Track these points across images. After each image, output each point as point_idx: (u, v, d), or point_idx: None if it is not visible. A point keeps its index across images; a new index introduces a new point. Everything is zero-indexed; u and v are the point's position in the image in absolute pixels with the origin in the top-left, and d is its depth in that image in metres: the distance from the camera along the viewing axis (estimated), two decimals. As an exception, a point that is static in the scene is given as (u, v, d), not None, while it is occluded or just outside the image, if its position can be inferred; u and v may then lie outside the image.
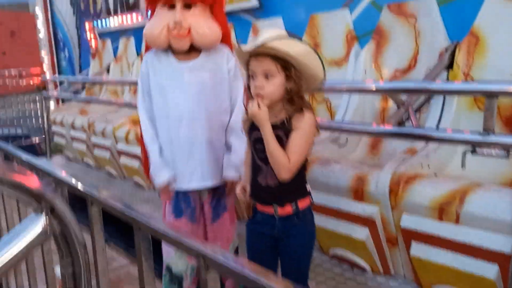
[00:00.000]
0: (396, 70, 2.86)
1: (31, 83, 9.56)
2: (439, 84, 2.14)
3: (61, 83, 7.11)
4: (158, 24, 2.04)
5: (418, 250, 2.15)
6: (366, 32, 3.04)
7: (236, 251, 2.42)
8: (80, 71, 7.32)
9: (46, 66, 8.32)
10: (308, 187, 1.82)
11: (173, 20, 1.98)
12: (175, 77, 2.10)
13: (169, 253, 2.18)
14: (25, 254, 0.60)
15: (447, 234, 2.02)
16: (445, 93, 2.14)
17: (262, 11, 3.84)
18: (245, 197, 1.87)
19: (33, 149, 7.56)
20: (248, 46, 1.68)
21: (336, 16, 3.17)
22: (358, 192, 2.35)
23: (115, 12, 6.19)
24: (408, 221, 2.17)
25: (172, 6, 2.02)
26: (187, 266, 2.20)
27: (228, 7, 4.05)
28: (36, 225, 0.62)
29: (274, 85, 1.66)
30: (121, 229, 2.47)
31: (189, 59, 2.10)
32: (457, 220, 1.99)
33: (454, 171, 2.35)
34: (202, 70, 2.10)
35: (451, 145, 2.31)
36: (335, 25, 3.21)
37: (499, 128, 2.34)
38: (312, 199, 1.84)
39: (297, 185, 1.77)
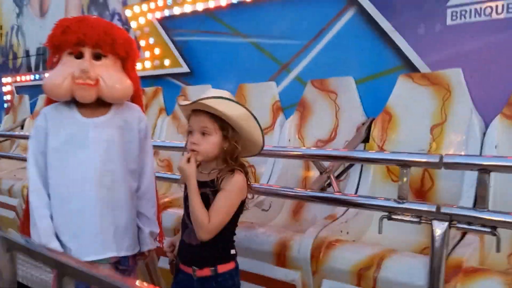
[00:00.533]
0: (318, 140, 3.02)
1: None
2: (362, 152, 2.31)
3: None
4: (62, 72, 1.86)
5: (338, 317, 2.15)
6: (291, 104, 3.22)
7: None
8: (-11, 126, 6.87)
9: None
10: (233, 251, 1.79)
11: (80, 67, 1.82)
12: (79, 133, 1.89)
13: None
14: None
15: (365, 300, 2.06)
16: (366, 161, 2.29)
17: (192, 77, 3.94)
18: (171, 254, 1.81)
19: None
20: (186, 102, 1.71)
21: (263, 87, 3.34)
22: (280, 257, 2.35)
23: (36, 70, 6.03)
24: (328, 287, 2.19)
25: (79, 55, 1.87)
26: None
27: (159, 71, 4.13)
28: None
29: (209, 143, 1.67)
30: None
31: (95, 115, 1.92)
32: (374, 285, 2.04)
33: (371, 238, 2.45)
34: (109, 127, 1.92)
35: (368, 213, 2.43)
36: (262, 95, 3.37)
37: (410, 197, 2.53)
38: (236, 264, 1.79)
39: (218, 247, 1.74)
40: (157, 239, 2.15)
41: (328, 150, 2.39)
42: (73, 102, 1.91)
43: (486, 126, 2.38)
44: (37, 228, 1.84)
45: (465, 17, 2.50)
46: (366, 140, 2.72)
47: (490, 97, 2.41)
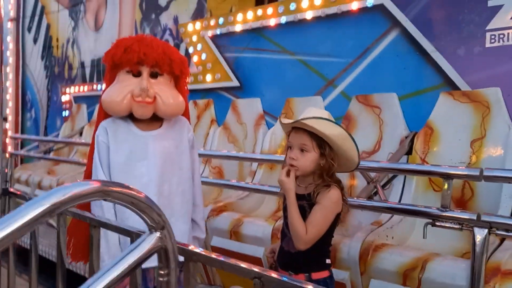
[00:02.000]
0: (363, 151, 3.24)
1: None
2: (409, 165, 2.53)
3: (23, 144, 7.13)
4: (121, 90, 1.96)
5: (385, 313, 2.38)
6: (336, 118, 3.45)
7: None
8: (46, 133, 7.38)
9: (9, 124, 8.29)
10: (328, 261, 1.93)
11: (139, 86, 1.94)
12: (138, 147, 2.01)
13: None
14: (143, 260, 0.81)
15: (410, 298, 2.28)
16: (413, 173, 2.50)
17: (242, 91, 4.23)
18: (271, 259, 2.00)
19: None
20: (287, 121, 1.86)
21: (310, 101, 3.59)
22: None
23: (91, 81, 6.46)
24: (376, 286, 2.41)
25: (137, 74, 1.99)
26: None
27: (210, 85, 4.44)
28: (152, 240, 0.83)
29: (307, 160, 1.82)
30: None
31: (150, 128, 2.05)
32: (418, 285, 2.26)
33: (414, 243, 2.66)
34: (165, 139, 2.05)
35: (411, 220, 2.64)
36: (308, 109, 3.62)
37: (451, 206, 2.73)
38: (331, 273, 1.92)
39: (313, 256, 1.87)
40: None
41: (376, 162, 2.61)
42: (128, 116, 2.04)
43: (524, 141, 2.56)
44: (109, 244, 1.92)
45: (503, 40, 2.69)
46: (409, 152, 2.93)
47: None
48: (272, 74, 3.98)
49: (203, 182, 3.47)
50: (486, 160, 2.64)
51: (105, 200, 0.83)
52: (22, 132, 8.19)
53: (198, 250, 1.11)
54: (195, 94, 4.44)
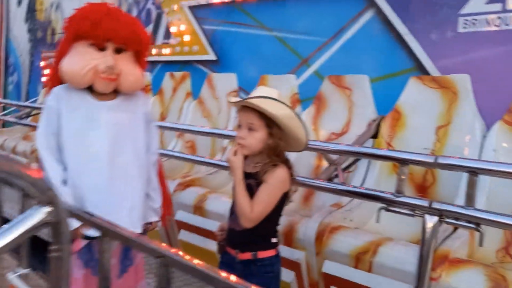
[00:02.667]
0: (331, 133, 3.23)
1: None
2: (366, 149, 2.49)
3: (4, 107, 7.02)
4: (85, 63, 1.91)
5: (336, 294, 2.40)
6: (308, 97, 3.42)
7: None
8: (28, 97, 7.27)
9: (-10, 88, 8.17)
10: (275, 240, 1.90)
11: (105, 64, 1.90)
12: (92, 116, 1.97)
13: None
14: (29, 234, 0.78)
15: (360, 281, 2.29)
16: (369, 156, 2.49)
17: (218, 65, 4.16)
18: (221, 237, 1.98)
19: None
20: (235, 99, 1.83)
21: (284, 79, 3.54)
22: (288, 238, 2.60)
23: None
24: (329, 267, 2.42)
25: (102, 49, 1.94)
26: None
27: (187, 57, 4.36)
28: (38, 214, 0.80)
29: (254, 138, 1.79)
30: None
31: (106, 99, 2.00)
32: (369, 269, 2.27)
33: (373, 227, 2.67)
34: (119, 111, 2.02)
35: (372, 204, 2.64)
36: (282, 86, 3.56)
37: (411, 192, 2.73)
38: (277, 252, 1.90)
39: (259, 235, 1.86)
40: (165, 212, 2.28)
41: (335, 144, 2.59)
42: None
43: (488, 130, 2.55)
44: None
45: (476, 26, 2.64)
46: (375, 136, 2.91)
47: (493, 103, 2.56)
48: (248, 49, 3.91)
49: (173, 156, 3.50)
50: (449, 147, 2.64)
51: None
52: (4, 96, 8.07)
53: (113, 226, 1.09)
54: (172, 65, 4.38)
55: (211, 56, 4.19)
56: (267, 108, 1.75)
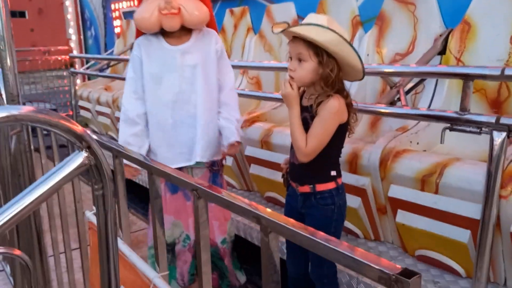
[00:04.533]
0: (396, 53, 3.07)
1: (60, 60, 9.99)
2: (423, 67, 2.34)
3: (87, 61, 7.48)
4: (148, 7, 2.11)
5: (403, 217, 2.39)
6: (370, 18, 3.24)
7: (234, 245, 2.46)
8: (106, 49, 7.66)
9: (73, 44, 8.70)
10: (334, 173, 1.90)
11: (164, 0, 2.06)
12: (168, 60, 2.18)
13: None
14: (69, 179, 0.88)
15: (427, 203, 2.26)
16: (428, 75, 2.35)
17: (275, -4, 4.05)
18: (284, 170, 2.04)
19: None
20: (278, 29, 1.77)
21: (343, 1, 3.37)
22: (352, 165, 2.60)
23: (140, -7, 6.45)
24: (395, 191, 2.41)
25: None
26: (182, 232, 2.33)
27: (244, -9, 4.28)
28: (78, 158, 0.90)
29: (305, 69, 1.76)
30: (141, 198, 2.66)
31: (180, 43, 2.20)
32: (436, 191, 2.22)
33: (441, 148, 2.57)
34: (193, 52, 2.20)
35: (439, 124, 2.52)
36: (341, 10, 3.41)
37: (483, 108, 2.56)
38: (338, 185, 1.90)
39: (316, 169, 1.86)
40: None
41: (390, 66, 2.48)
42: (160, 33, 2.21)
43: None
44: (120, 137, 2.24)
45: None
46: (443, 52, 2.72)
47: None
48: (304, -25, 3.73)
49: (239, 94, 3.56)
50: (526, 57, 2.40)
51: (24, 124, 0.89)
52: (86, 50, 8.57)
53: (158, 165, 1.18)
54: (230, 2, 4.33)
55: (268, -13, 4.07)
56: (311, 35, 1.70)
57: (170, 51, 2.19)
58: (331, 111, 1.76)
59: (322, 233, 0.72)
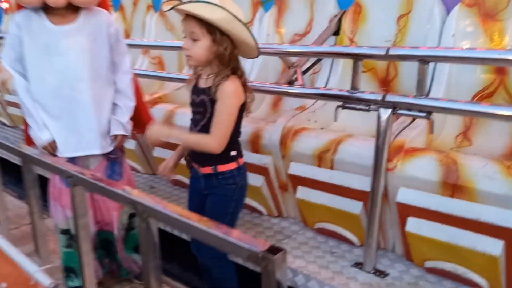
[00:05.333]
0: (295, 34, 3.13)
1: None
2: (318, 48, 2.42)
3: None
4: None
5: (302, 193, 2.48)
6: (270, -2, 3.27)
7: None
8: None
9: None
10: (234, 153, 1.88)
11: None
12: (51, 42, 1.97)
13: (60, 215, 2.12)
14: None
15: (324, 178, 2.36)
16: (323, 55, 2.44)
17: (175, -28, 3.92)
18: (187, 155, 2.01)
19: None
20: (167, 7, 1.70)
21: (245, -22, 3.36)
22: (255, 145, 2.63)
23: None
24: (295, 169, 2.48)
25: None
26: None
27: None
28: None
29: (199, 47, 1.70)
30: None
31: (65, 22, 1.97)
32: (331, 166, 2.32)
33: (337, 126, 2.69)
34: (80, 35, 1.99)
35: (335, 103, 2.63)
36: (242, -11, 3.40)
37: (374, 87, 2.71)
38: (239, 164, 1.89)
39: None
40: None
41: (284, 46, 2.54)
42: (41, 8, 1.94)
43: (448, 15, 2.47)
44: (33, 118, 2.03)
45: None
46: (337, 33, 2.82)
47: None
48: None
49: (140, 75, 3.42)
50: (410, 37, 2.57)
51: None
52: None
53: (33, 153, 1.09)
54: (128, -22, 4.12)
55: (168, -37, 3.93)
56: (202, 14, 1.65)
57: (53, 32, 1.96)
58: (229, 95, 1.74)
59: (198, 216, 0.70)
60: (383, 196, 2.11)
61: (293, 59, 2.62)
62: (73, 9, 1.99)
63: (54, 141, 2.04)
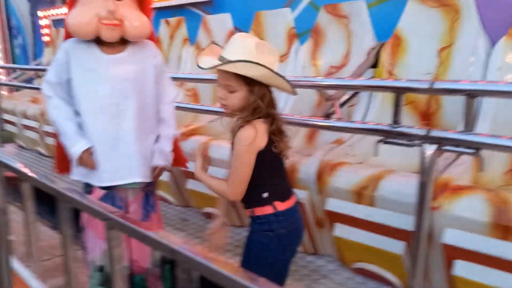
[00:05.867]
0: (331, 66, 3.09)
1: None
2: (359, 81, 2.36)
3: (14, 70, 7.03)
4: (87, 12, 1.93)
5: (340, 230, 2.38)
6: (306, 30, 3.25)
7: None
8: (34, 59, 7.25)
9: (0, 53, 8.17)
10: (265, 195, 1.75)
11: (106, 9, 1.91)
12: (100, 69, 2.01)
13: (95, 249, 2.08)
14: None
15: (363, 216, 2.26)
16: (363, 88, 2.38)
17: (212, 6, 3.99)
18: None
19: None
20: (206, 65, 1.66)
21: (279, 14, 3.37)
22: (290, 179, 2.55)
23: (70, 1, 6.17)
24: (332, 205, 2.39)
25: None
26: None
27: (179, 0, 4.19)
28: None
29: (236, 98, 1.66)
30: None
31: (114, 52, 2.02)
32: (371, 203, 2.23)
33: (377, 160, 2.59)
34: (128, 64, 2.04)
35: (373, 136, 2.55)
36: (277, 22, 3.40)
37: (414, 121, 2.62)
38: (276, 210, 1.75)
39: (249, 191, 1.73)
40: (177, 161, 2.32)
41: (323, 79, 2.49)
42: (93, 40, 1.99)
43: (492, 48, 2.38)
44: (65, 135, 2.02)
45: None
46: (375, 65, 2.77)
47: (499, 18, 2.36)
48: (240, -14, 3.71)
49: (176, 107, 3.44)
50: (453, 70, 2.48)
51: None
52: (13, 60, 8.08)
53: (69, 191, 1.06)
54: (165, 12, 4.22)
55: (204, -3, 4.01)
56: (243, 73, 1.59)
57: (102, 60, 2.01)
58: (243, 143, 1.66)
59: (245, 273, 0.63)
60: (427, 236, 1.99)
61: (331, 91, 2.57)
62: (123, 41, 2.03)
63: (89, 148, 2.00)
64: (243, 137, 1.66)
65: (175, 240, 0.75)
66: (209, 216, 3.18)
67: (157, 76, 2.12)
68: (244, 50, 1.64)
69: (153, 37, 2.24)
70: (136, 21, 1.99)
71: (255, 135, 1.67)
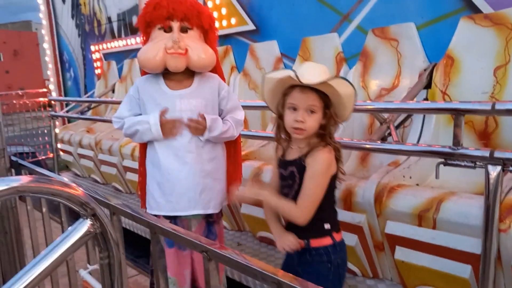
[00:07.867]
0: (382, 88, 3.11)
1: (38, 102, 9.87)
2: (415, 104, 2.37)
3: (67, 103, 7.39)
4: (154, 46, 2.05)
5: (402, 254, 2.36)
6: (354, 54, 3.29)
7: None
8: (86, 91, 7.60)
9: (52, 85, 8.61)
10: (327, 226, 1.75)
11: (171, 38, 2.02)
12: (167, 105, 2.10)
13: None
14: (74, 249, 0.83)
15: (426, 239, 2.23)
16: (419, 111, 2.37)
17: (258, 34, 4.10)
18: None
19: (38, 166, 7.78)
20: (311, 81, 1.61)
21: (326, 39, 3.42)
22: (347, 202, 2.57)
23: (119, 35, 6.49)
24: (392, 228, 2.38)
25: (169, 29, 2.07)
26: None
27: (226, 30, 4.33)
28: (83, 226, 0.85)
29: (314, 121, 1.65)
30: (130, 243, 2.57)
31: (181, 87, 2.12)
32: (434, 226, 2.20)
33: (434, 182, 2.57)
34: (194, 98, 2.12)
35: (431, 158, 2.53)
36: (325, 47, 3.46)
37: (472, 140, 2.59)
38: (335, 241, 1.75)
39: (309, 223, 1.71)
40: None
41: (379, 103, 2.50)
42: (161, 75, 2.14)
43: (552, 64, 2.34)
44: (139, 121, 2.13)
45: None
46: (428, 86, 2.76)
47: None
48: (286, 13, 3.81)
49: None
50: (510, 88, 2.45)
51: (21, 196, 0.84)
52: (65, 92, 8.49)
53: (122, 206, 1.13)
54: (213, 41, 4.35)
55: (250, 26, 4.13)
56: (341, 91, 1.62)
57: (169, 96, 2.11)
58: (322, 165, 1.65)
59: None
60: (496, 259, 1.95)
61: (385, 114, 2.58)
62: (189, 74, 2.15)
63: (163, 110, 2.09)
64: (322, 159, 1.64)
65: (278, 272, 0.79)
66: (263, 240, 3.22)
67: (224, 107, 2.21)
68: (318, 71, 1.64)
69: (219, 70, 2.32)
70: (200, 52, 2.07)
71: (333, 159, 1.69)
